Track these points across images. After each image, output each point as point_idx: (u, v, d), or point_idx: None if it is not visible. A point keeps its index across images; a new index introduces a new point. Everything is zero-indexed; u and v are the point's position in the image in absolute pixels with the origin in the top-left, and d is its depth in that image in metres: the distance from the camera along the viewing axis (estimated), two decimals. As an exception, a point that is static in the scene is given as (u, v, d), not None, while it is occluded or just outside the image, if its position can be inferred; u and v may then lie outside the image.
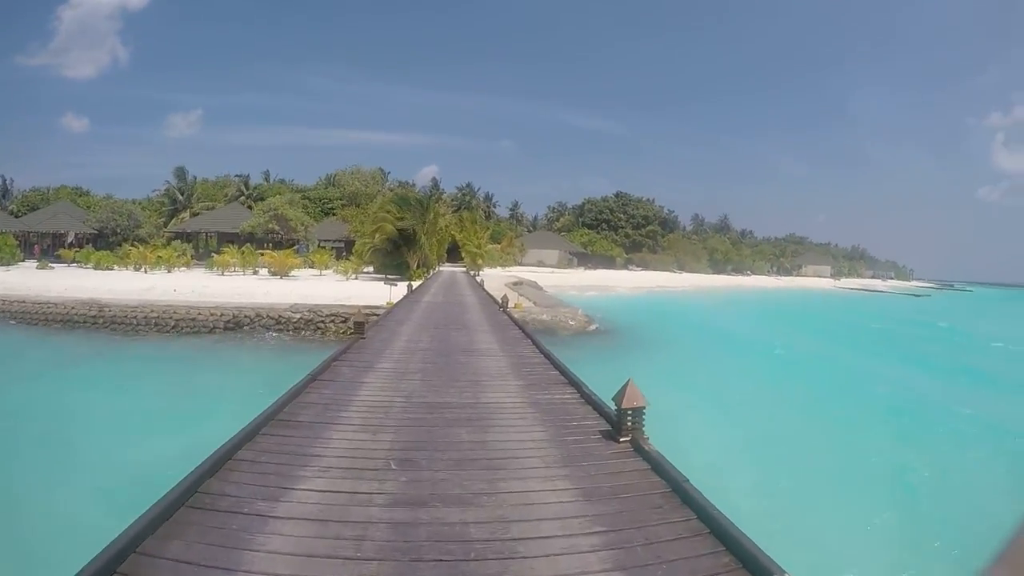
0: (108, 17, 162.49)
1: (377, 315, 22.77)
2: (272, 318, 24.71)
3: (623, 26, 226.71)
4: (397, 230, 43.31)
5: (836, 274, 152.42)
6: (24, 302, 29.46)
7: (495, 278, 50.30)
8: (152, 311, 26.23)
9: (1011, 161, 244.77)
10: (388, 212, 44.77)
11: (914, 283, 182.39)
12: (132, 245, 53.04)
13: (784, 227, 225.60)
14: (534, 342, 12.50)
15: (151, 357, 21.00)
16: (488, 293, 28.50)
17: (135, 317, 26.14)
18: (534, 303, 31.13)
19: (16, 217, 72.85)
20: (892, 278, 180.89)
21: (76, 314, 27.11)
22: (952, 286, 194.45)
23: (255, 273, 46.68)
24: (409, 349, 11.41)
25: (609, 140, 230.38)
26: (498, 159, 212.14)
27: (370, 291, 31.93)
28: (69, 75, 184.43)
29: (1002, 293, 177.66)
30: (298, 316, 24.72)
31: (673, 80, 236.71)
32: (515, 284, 44.85)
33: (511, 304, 22.09)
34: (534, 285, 47.70)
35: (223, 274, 45.50)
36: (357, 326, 12.27)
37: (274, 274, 43.96)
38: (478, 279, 41.85)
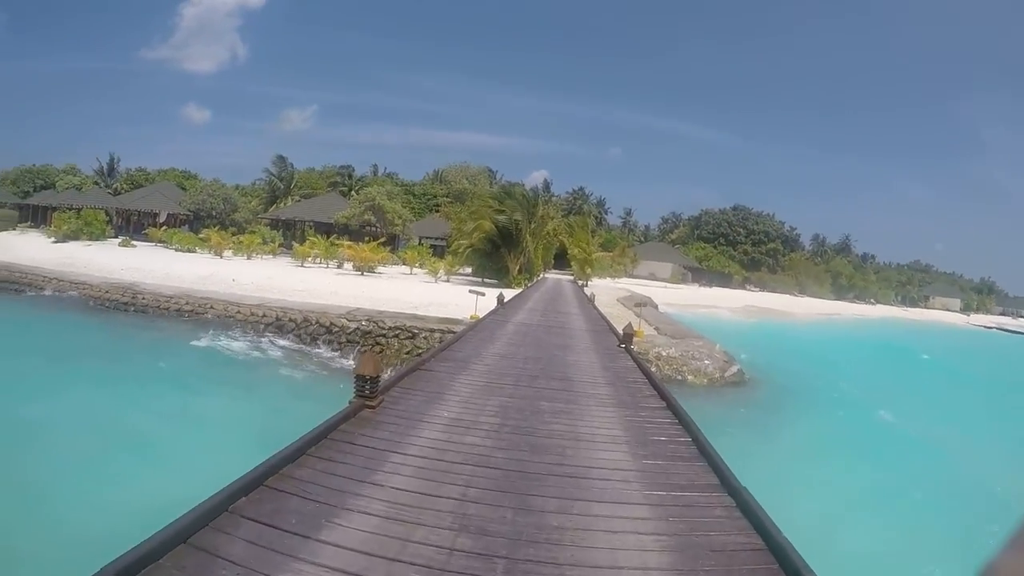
0: (228, 15, 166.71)
1: (453, 332, 17.17)
2: (322, 325, 19.28)
3: (741, 36, 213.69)
4: (497, 228, 37.53)
5: (966, 308, 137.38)
6: (61, 280, 26.33)
7: (605, 290, 43.92)
8: (187, 303, 21.81)
9: None
10: (489, 207, 38.98)
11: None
12: (218, 229, 49.90)
13: (901, 253, 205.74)
14: (703, 453, 6.01)
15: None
16: (601, 314, 22.20)
17: (167, 307, 21.79)
18: (656, 329, 24.47)
19: (116, 195, 72.59)
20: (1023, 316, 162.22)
21: (109, 298, 23.61)
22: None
23: (339, 266, 42.18)
24: (442, 456, 5.22)
25: (720, 151, 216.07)
26: (607, 167, 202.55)
27: (456, 298, 26.14)
28: (190, 68, 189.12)
29: None
30: (353, 326, 19.13)
31: (791, 92, 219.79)
32: (630, 300, 38.34)
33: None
34: (649, 302, 40.79)
35: (302, 265, 41.26)
36: (362, 386, 6.30)
37: (358, 269, 39.23)
38: (587, 291, 35.64)
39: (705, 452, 5.92)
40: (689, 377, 19.00)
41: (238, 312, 20.50)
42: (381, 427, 5.82)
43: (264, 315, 20.03)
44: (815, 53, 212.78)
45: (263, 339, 18.90)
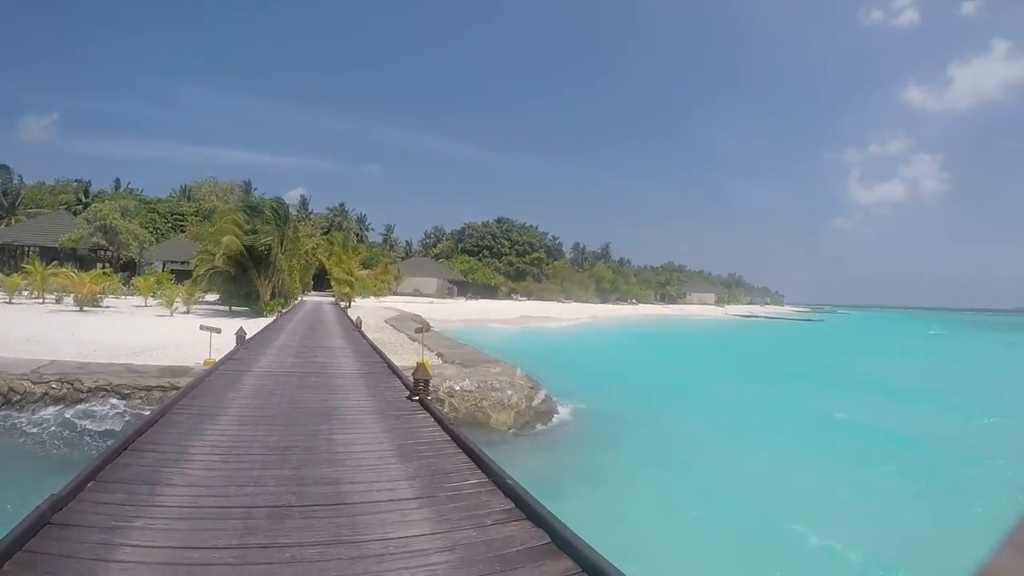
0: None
1: (178, 388, 14.10)
2: (-4, 392, 15.15)
3: (498, 66, 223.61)
4: (245, 247, 33.57)
5: (720, 301, 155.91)
6: None
7: (371, 311, 41.49)
8: None
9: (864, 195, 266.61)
10: (234, 223, 34.79)
11: (788, 307, 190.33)
12: None
13: (654, 256, 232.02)
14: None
15: None
16: (372, 344, 19.70)
17: None
18: (440, 356, 21.88)
19: None
20: (768, 303, 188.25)
21: None
22: (822, 309, 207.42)
23: (58, 301, 35.81)
24: None
25: (478, 168, 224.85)
26: (367, 184, 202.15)
27: (193, 336, 22.36)
28: None
29: (873, 315, 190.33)
30: (40, 391, 15.24)
31: (540, 115, 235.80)
32: (401, 321, 36.38)
33: (408, 359, 13.77)
34: (418, 319, 38.77)
35: (10, 301, 34.59)
36: None
37: (78, 303, 33.43)
38: (351, 314, 33.14)
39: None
40: (492, 415, 16.14)
41: None
42: None
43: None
44: (570, 76, 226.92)
45: None
